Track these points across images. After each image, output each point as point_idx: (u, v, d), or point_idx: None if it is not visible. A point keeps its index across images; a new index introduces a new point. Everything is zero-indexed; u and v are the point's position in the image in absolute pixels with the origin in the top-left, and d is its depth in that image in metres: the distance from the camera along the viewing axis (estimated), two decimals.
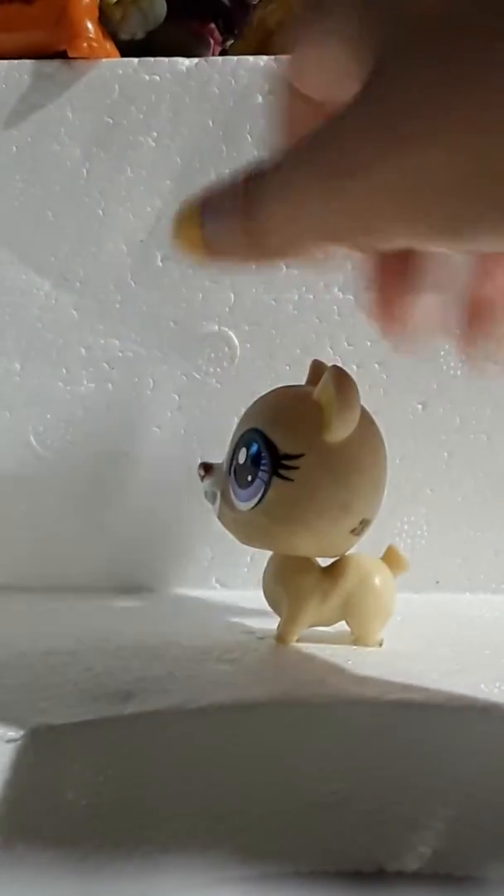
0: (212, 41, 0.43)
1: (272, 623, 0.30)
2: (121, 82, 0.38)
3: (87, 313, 0.38)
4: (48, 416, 0.39)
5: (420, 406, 0.38)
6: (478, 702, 0.24)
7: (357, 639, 0.29)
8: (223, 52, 0.43)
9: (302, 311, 0.38)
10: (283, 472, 0.25)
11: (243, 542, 0.27)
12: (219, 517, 0.27)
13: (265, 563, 0.30)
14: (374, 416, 0.28)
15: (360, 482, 0.26)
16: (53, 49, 0.38)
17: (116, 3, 0.39)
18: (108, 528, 0.39)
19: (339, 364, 0.26)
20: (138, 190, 0.38)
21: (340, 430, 0.25)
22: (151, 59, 0.38)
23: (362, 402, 0.26)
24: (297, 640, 0.29)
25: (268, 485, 0.25)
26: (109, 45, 0.39)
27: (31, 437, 0.39)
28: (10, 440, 0.39)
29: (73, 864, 0.22)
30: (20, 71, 0.38)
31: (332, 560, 0.29)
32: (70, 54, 0.38)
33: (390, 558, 0.29)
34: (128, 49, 0.39)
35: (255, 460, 0.25)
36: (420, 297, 0.24)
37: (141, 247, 0.38)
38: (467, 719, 0.24)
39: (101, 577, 0.39)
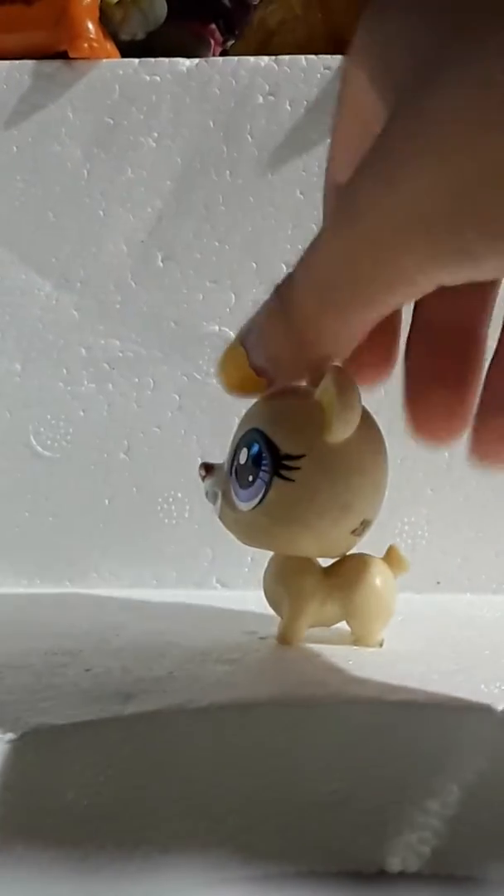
0: (212, 42, 0.43)
1: (273, 623, 0.30)
2: (121, 83, 0.38)
3: (88, 314, 0.38)
4: (48, 416, 0.39)
5: None
6: (478, 702, 0.24)
7: (358, 639, 0.29)
8: (224, 53, 0.43)
9: None
10: (284, 472, 0.25)
11: (244, 543, 0.27)
12: (220, 517, 0.27)
13: (266, 564, 0.30)
14: (374, 417, 0.28)
15: (361, 483, 0.26)
16: (54, 49, 0.38)
17: (117, 3, 0.39)
18: (108, 529, 0.39)
19: (339, 364, 0.26)
20: (139, 190, 0.38)
21: (341, 431, 0.25)
22: (152, 59, 0.38)
23: (363, 402, 0.26)
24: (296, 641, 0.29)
25: (269, 485, 0.25)
26: (110, 46, 0.39)
27: (32, 438, 0.39)
28: (10, 440, 0.39)
29: (73, 865, 0.22)
30: (21, 71, 0.38)
31: (332, 560, 0.29)
32: (71, 55, 0.38)
33: (391, 558, 0.29)
34: (128, 49, 0.39)
35: (256, 460, 0.25)
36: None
37: (141, 247, 0.38)
38: (468, 719, 0.24)
39: (101, 577, 0.39)
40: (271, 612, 0.30)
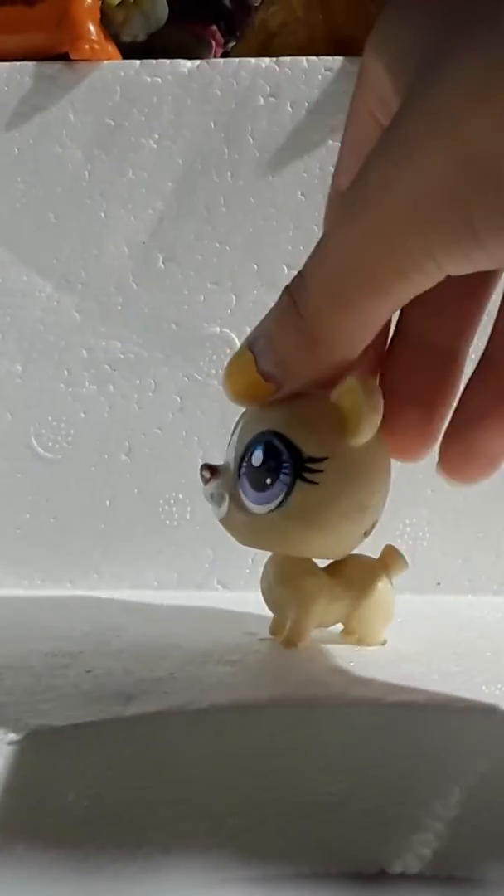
0: (213, 43, 0.43)
1: None
2: (122, 84, 0.38)
3: (89, 315, 0.38)
4: (49, 417, 0.39)
5: None
6: (479, 703, 0.24)
7: (362, 638, 0.29)
8: (225, 54, 0.43)
9: None
10: (307, 475, 0.25)
11: (251, 545, 0.27)
12: (223, 520, 0.27)
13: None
14: None
15: (377, 484, 0.26)
16: (55, 51, 0.38)
17: (118, 5, 0.39)
18: (109, 530, 0.39)
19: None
20: (140, 192, 0.38)
21: (367, 433, 0.25)
22: (153, 61, 0.38)
23: None
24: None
25: (290, 488, 0.25)
26: (111, 47, 0.39)
27: (33, 439, 0.39)
28: (11, 442, 0.39)
29: (74, 865, 0.22)
30: (22, 73, 0.38)
31: (329, 561, 0.29)
32: (72, 56, 0.38)
33: (388, 558, 0.29)
34: (129, 51, 0.39)
35: (274, 463, 0.25)
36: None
37: (142, 248, 0.38)
38: (469, 720, 0.24)
39: (102, 578, 0.39)
40: (272, 613, 0.30)
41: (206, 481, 0.27)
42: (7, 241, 0.39)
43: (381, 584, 0.28)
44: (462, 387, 0.26)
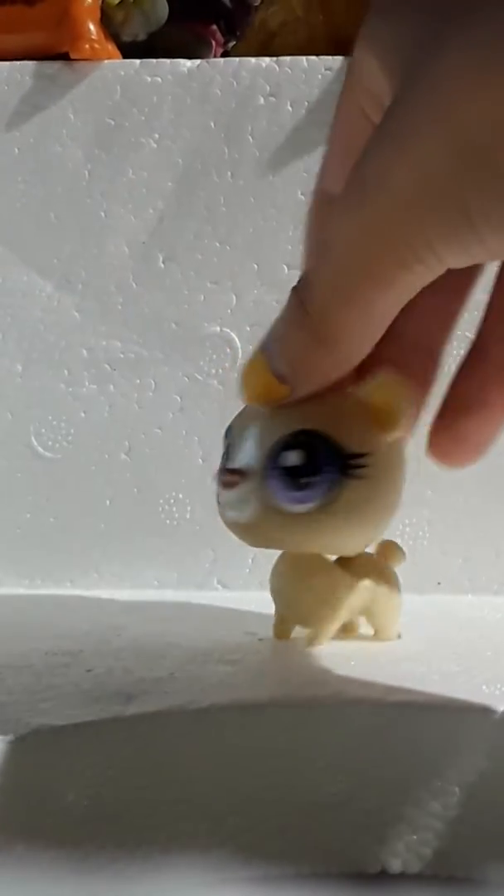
0: (213, 42, 0.43)
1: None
2: (122, 84, 0.38)
3: (89, 315, 0.38)
4: (49, 417, 0.39)
5: None
6: (479, 703, 0.24)
7: (377, 632, 0.29)
8: (225, 54, 0.43)
9: None
10: (352, 471, 0.25)
11: (279, 546, 0.27)
12: (250, 523, 0.26)
13: (268, 565, 0.29)
14: None
15: (405, 478, 0.26)
16: (55, 50, 0.38)
17: (118, 4, 0.39)
18: (109, 530, 0.39)
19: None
20: (140, 191, 0.38)
21: (405, 426, 0.25)
22: (153, 60, 0.38)
23: None
24: (294, 638, 0.29)
25: (336, 485, 0.25)
26: (111, 47, 0.39)
27: (33, 439, 0.39)
28: (11, 441, 0.39)
29: (74, 865, 0.22)
30: (22, 72, 0.38)
31: (335, 557, 0.29)
32: (72, 56, 0.38)
33: (387, 551, 0.30)
34: (130, 50, 0.39)
35: (316, 462, 0.25)
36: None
37: (143, 248, 0.38)
38: (469, 721, 0.24)
39: (102, 577, 0.39)
40: (272, 613, 0.30)
41: (231, 486, 0.26)
42: (7, 240, 0.39)
43: (392, 578, 0.29)
44: (449, 379, 0.26)
